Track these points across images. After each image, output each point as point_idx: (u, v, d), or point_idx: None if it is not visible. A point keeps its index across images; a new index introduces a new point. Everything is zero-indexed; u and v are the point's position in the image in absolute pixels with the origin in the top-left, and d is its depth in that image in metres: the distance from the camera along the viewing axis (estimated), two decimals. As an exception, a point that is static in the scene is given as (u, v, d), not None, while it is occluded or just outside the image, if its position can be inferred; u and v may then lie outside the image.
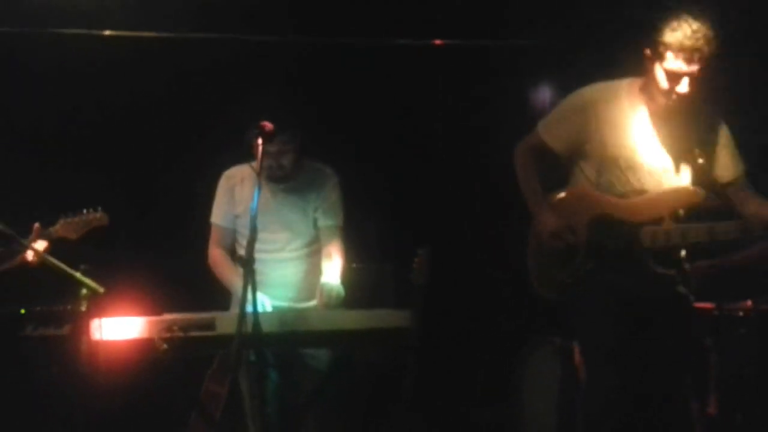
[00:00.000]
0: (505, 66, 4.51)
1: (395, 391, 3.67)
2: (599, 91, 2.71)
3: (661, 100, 2.61)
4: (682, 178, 2.67)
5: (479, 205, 4.50)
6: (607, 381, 2.60)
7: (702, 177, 2.65)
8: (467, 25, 4.35)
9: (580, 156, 2.71)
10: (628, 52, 2.83)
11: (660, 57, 2.52)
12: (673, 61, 2.50)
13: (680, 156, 2.67)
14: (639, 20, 3.19)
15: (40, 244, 2.99)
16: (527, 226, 2.82)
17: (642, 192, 2.65)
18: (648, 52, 2.57)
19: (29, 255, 2.94)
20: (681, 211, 2.63)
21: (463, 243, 4.46)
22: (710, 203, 2.68)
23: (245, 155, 3.08)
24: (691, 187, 2.65)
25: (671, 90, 2.55)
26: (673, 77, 2.52)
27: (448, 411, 4.13)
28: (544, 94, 4.89)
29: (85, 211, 3.15)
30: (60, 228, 3.10)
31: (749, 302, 3.33)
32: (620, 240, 2.62)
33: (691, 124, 2.66)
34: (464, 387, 4.25)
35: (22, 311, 3.36)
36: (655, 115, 2.66)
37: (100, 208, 3.18)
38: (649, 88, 2.63)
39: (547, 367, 3.78)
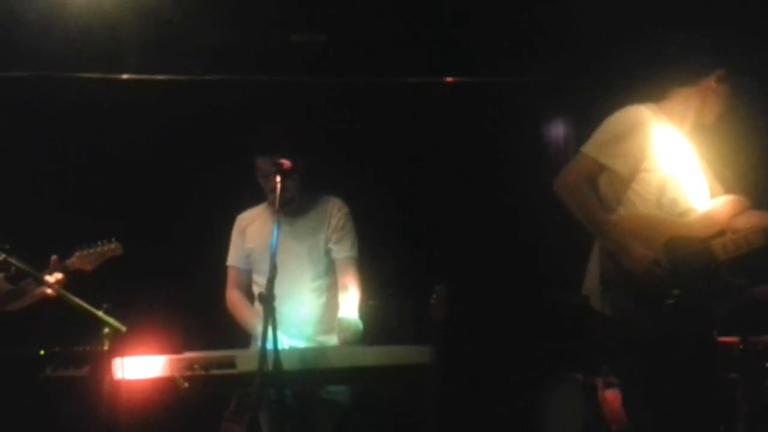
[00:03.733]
0: (517, 102, 4.55)
1: (416, 429, 3.62)
2: (644, 110, 2.72)
3: (690, 126, 2.73)
4: (720, 192, 2.75)
5: (498, 240, 4.50)
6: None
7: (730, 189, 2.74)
8: (476, 63, 4.41)
9: (636, 176, 2.67)
10: (635, 86, 2.90)
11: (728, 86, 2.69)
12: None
13: (711, 172, 2.76)
14: (644, 55, 3.30)
15: (56, 276, 3.00)
16: (549, 261, 2.78)
17: (695, 209, 2.68)
18: (720, 78, 2.69)
19: (47, 288, 2.95)
20: (737, 223, 2.68)
21: (482, 279, 4.44)
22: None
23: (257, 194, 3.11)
24: (736, 196, 2.71)
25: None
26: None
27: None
28: (557, 129, 4.93)
29: (99, 242, 3.16)
30: (76, 260, 3.11)
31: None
32: (698, 258, 2.60)
33: (710, 146, 2.77)
34: (486, 424, 4.19)
35: (42, 352, 3.36)
36: (686, 135, 2.76)
37: (114, 239, 3.18)
38: (678, 113, 2.73)
39: (571, 405, 3.72)
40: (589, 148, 2.69)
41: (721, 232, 2.65)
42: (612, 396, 3.64)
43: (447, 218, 4.52)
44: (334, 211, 3.12)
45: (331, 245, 3.09)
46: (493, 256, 4.47)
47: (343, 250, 3.09)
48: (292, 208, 3.08)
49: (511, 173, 4.48)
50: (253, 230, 3.15)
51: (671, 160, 2.67)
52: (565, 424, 3.75)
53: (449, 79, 4.55)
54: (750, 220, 2.68)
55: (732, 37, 2.78)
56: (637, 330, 2.59)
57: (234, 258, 3.18)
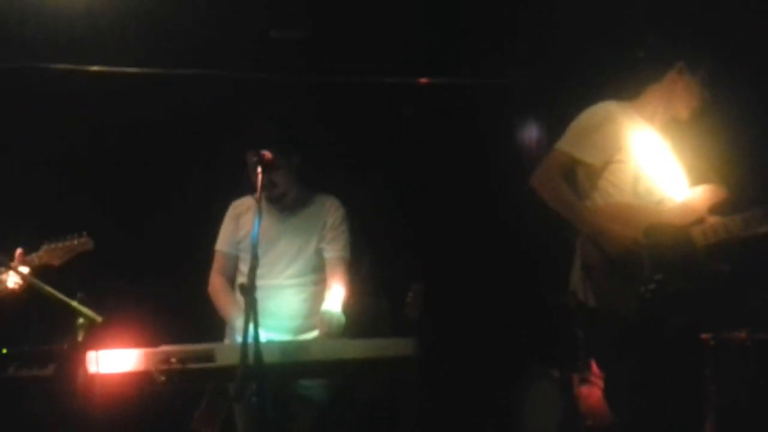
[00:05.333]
0: (491, 103, 4.58)
1: (394, 425, 3.60)
2: (614, 105, 2.82)
3: (663, 122, 2.78)
4: (698, 182, 2.79)
5: (477, 239, 4.51)
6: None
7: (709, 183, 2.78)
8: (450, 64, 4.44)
9: (609, 167, 2.75)
10: (610, 87, 2.98)
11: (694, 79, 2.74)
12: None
13: (690, 167, 2.80)
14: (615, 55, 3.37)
15: (23, 270, 2.89)
16: (528, 256, 2.80)
17: (671, 198, 2.73)
18: (681, 71, 2.75)
19: (12, 282, 2.85)
20: (716, 210, 2.72)
21: (460, 277, 4.45)
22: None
23: (247, 186, 3.07)
24: (714, 185, 2.76)
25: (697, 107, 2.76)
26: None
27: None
28: (532, 129, 4.98)
29: (69, 236, 3.04)
30: (44, 254, 2.99)
31: (744, 332, 3.35)
32: (678, 244, 2.65)
33: (683, 139, 2.82)
34: (463, 420, 4.18)
35: (4, 351, 3.25)
36: (660, 131, 2.81)
37: (85, 233, 3.06)
38: (649, 109, 2.78)
39: (547, 400, 3.74)
40: (562, 143, 2.79)
41: (700, 220, 2.69)
42: (587, 391, 3.66)
43: (423, 217, 4.52)
44: (332, 210, 3.11)
45: (323, 244, 3.07)
46: (471, 255, 4.48)
47: (336, 250, 3.07)
48: (287, 203, 3.07)
49: (488, 173, 4.50)
50: (246, 219, 3.11)
51: (643, 154, 2.73)
52: (541, 419, 3.76)
53: (423, 80, 4.57)
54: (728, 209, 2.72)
55: (692, 32, 2.88)
56: (622, 320, 2.62)
57: (223, 242, 3.13)
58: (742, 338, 3.33)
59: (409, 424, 3.57)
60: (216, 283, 3.09)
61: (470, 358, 4.29)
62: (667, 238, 2.65)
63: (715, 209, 2.75)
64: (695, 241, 2.66)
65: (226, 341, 2.99)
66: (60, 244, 3.04)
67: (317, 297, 3.03)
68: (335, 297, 2.98)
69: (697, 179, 2.80)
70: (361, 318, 3.78)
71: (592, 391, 3.66)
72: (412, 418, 3.53)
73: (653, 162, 2.74)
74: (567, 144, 2.78)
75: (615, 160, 2.73)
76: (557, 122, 2.97)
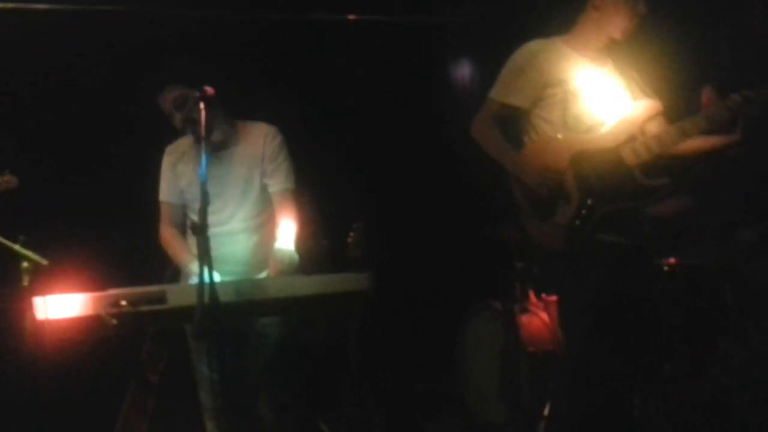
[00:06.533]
0: (428, 42, 4.56)
1: (342, 364, 3.64)
2: (540, 42, 2.85)
3: (599, 47, 2.81)
4: (635, 103, 2.81)
5: (413, 174, 4.54)
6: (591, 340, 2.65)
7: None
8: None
9: (538, 104, 2.79)
10: (541, 26, 2.99)
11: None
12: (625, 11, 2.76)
13: (621, 89, 2.83)
14: None
15: None
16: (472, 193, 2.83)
17: (603, 122, 2.76)
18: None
19: None
20: (650, 127, 2.77)
21: (400, 214, 4.48)
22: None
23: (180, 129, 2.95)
24: (650, 100, 2.80)
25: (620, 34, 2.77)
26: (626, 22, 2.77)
27: (395, 382, 4.15)
28: (466, 70, 5.00)
29: None
30: None
31: (673, 258, 3.52)
32: (606, 166, 2.68)
33: (621, 63, 2.87)
34: (410, 354, 4.28)
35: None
36: (592, 60, 2.84)
37: (7, 171, 2.89)
38: (582, 39, 2.82)
39: (489, 332, 3.86)
40: (493, 91, 2.86)
41: (632, 138, 2.74)
42: (527, 320, 3.80)
43: (362, 156, 4.50)
44: (268, 140, 2.96)
45: (267, 178, 2.96)
46: (410, 191, 4.52)
47: (279, 182, 2.96)
48: (214, 139, 2.89)
49: (428, 108, 4.51)
50: (183, 167, 2.99)
51: (573, 84, 2.77)
52: (484, 349, 3.88)
53: (351, 16, 4.50)
54: (663, 122, 2.78)
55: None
56: (552, 252, 2.69)
57: (165, 192, 3.01)
58: (671, 264, 3.48)
59: (356, 360, 3.61)
60: (166, 233, 2.99)
61: (414, 295, 4.36)
62: (594, 162, 2.69)
63: (649, 126, 2.78)
64: (626, 160, 2.69)
65: (182, 282, 2.91)
66: None
67: (268, 237, 2.97)
68: (287, 234, 2.92)
69: (639, 97, 2.83)
70: (302, 259, 3.79)
71: (532, 320, 3.81)
72: (359, 354, 3.57)
73: (586, 91, 2.77)
74: (495, 91, 2.84)
75: (544, 96, 2.77)
76: (492, 63, 2.98)
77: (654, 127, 2.79)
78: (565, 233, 2.69)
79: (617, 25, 2.79)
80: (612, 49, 2.85)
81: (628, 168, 2.70)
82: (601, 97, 2.79)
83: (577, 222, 2.68)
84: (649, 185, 2.71)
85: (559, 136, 2.76)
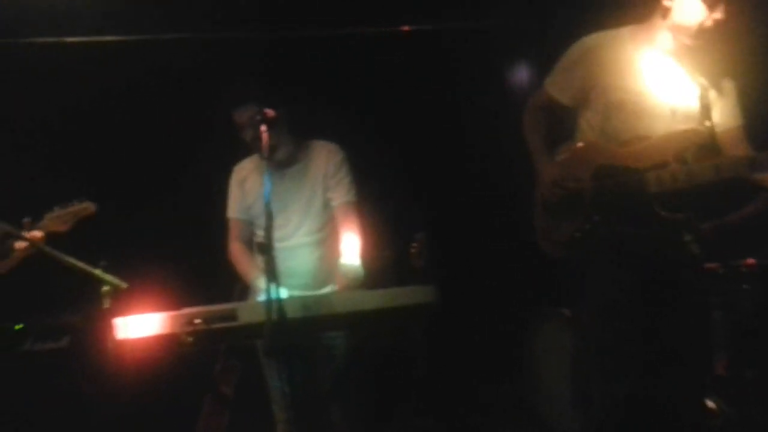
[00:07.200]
0: (483, 48, 4.54)
1: (408, 374, 3.66)
2: (600, 37, 2.68)
3: (674, 42, 2.59)
4: (687, 123, 2.60)
5: (475, 183, 4.53)
6: (611, 343, 2.55)
7: (704, 121, 2.57)
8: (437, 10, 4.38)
9: (585, 106, 2.67)
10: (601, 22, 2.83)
11: None
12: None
13: (685, 100, 2.61)
14: None
15: (33, 234, 2.89)
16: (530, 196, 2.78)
17: (647, 138, 2.58)
18: None
19: (21, 245, 2.85)
20: (688, 155, 2.54)
21: (463, 224, 4.48)
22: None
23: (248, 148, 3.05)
24: (697, 128, 2.57)
25: (698, 26, 2.51)
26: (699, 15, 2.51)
27: (461, 390, 4.13)
28: (525, 76, 4.95)
29: (70, 202, 3.06)
30: (48, 222, 3.00)
31: (751, 259, 3.41)
32: (626, 188, 2.54)
33: (695, 72, 2.62)
34: (475, 365, 4.26)
35: (17, 327, 3.26)
36: (661, 59, 2.63)
37: (85, 198, 3.09)
38: (656, 31, 2.60)
39: (558, 340, 3.81)
40: (546, 81, 2.73)
41: (664, 164, 2.52)
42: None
43: (422, 168, 4.52)
44: (330, 157, 3.07)
45: (330, 193, 3.04)
46: (473, 201, 4.51)
47: (341, 196, 3.04)
48: (280, 158, 3.00)
49: (488, 119, 4.50)
50: (251, 184, 3.09)
51: (628, 86, 2.59)
52: (554, 356, 3.83)
53: (406, 27, 4.53)
54: (705, 154, 2.53)
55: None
56: (554, 253, 2.65)
57: (234, 209, 3.12)
58: (749, 265, 3.38)
59: (422, 371, 3.63)
60: (235, 249, 3.09)
61: (480, 305, 4.35)
62: (615, 181, 2.55)
63: (695, 156, 2.54)
64: (647, 187, 2.51)
65: (251, 300, 3.00)
66: (63, 211, 3.06)
67: (332, 251, 3.03)
68: (351, 248, 2.98)
69: (707, 116, 2.57)
70: (368, 271, 3.83)
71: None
72: (425, 365, 3.58)
73: (637, 95, 2.58)
74: (548, 82, 2.72)
75: (590, 98, 2.64)
76: (548, 65, 2.88)
77: (692, 156, 2.55)
78: (565, 243, 2.63)
79: (689, 22, 2.52)
80: (688, 56, 2.60)
81: (648, 195, 2.51)
82: (656, 108, 2.59)
83: (577, 234, 2.59)
84: (661, 217, 2.52)
85: (594, 142, 2.64)
